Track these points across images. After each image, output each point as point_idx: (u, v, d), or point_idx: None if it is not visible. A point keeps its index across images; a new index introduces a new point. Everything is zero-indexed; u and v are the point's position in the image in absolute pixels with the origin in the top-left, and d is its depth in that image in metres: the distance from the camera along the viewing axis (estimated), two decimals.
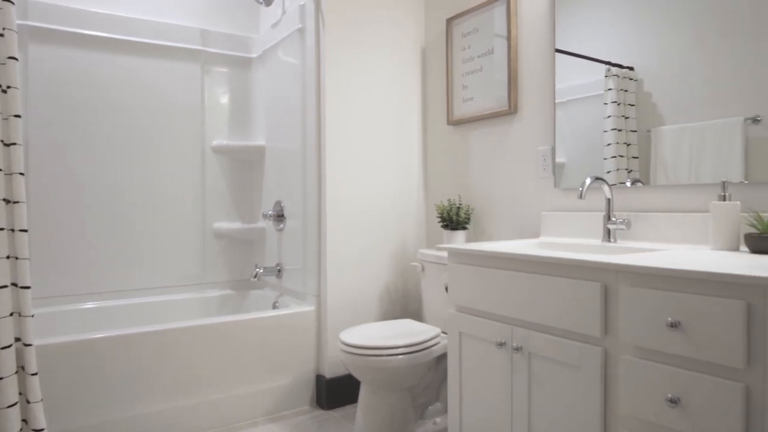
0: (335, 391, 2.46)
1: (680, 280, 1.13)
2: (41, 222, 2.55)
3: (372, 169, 2.59)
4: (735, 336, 1.03)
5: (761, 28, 1.46)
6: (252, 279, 2.78)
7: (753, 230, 1.44)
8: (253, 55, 3.11)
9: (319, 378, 2.49)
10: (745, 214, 1.49)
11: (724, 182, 1.44)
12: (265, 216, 2.85)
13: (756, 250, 1.33)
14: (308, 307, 2.50)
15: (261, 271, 2.79)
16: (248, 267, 3.15)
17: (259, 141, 3.07)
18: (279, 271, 2.84)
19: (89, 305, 2.63)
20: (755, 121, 1.48)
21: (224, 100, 3.05)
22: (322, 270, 2.49)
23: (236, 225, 3.04)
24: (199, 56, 2.95)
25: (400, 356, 1.99)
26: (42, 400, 1.86)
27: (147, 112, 2.81)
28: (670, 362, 1.15)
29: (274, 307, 2.78)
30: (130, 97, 2.76)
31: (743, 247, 1.46)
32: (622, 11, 1.81)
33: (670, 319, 1.12)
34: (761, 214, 1.45)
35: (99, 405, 1.98)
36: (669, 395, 1.12)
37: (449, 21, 2.54)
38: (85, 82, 2.65)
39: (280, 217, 2.82)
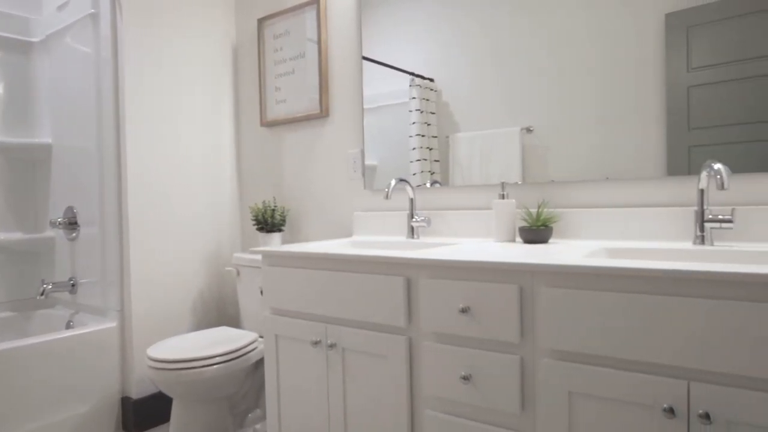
0: (145, 413, 2.26)
1: (467, 270, 1.27)
2: None
3: (180, 170, 2.43)
4: (511, 315, 1.19)
5: (530, 53, 1.71)
6: (38, 297, 2.41)
7: (525, 224, 1.68)
8: (35, 40, 2.70)
9: (125, 400, 2.26)
10: (520, 210, 1.73)
11: (503, 183, 1.66)
12: (53, 224, 2.49)
13: (528, 240, 1.56)
14: (110, 324, 2.25)
15: (49, 287, 2.44)
16: (33, 283, 2.73)
17: (45, 138, 2.68)
18: (73, 285, 2.51)
19: None
20: (529, 130, 1.72)
21: None
22: (125, 281, 2.26)
23: (15, 235, 2.61)
24: None
25: (215, 366, 1.90)
26: None
27: None
28: (462, 344, 1.28)
29: (68, 326, 2.45)
30: None
31: (518, 239, 1.70)
32: (423, 27, 1.97)
33: (461, 305, 1.25)
34: (531, 210, 1.70)
35: None
36: (462, 373, 1.25)
37: (261, 21, 2.50)
38: None
39: (72, 224, 2.49)
